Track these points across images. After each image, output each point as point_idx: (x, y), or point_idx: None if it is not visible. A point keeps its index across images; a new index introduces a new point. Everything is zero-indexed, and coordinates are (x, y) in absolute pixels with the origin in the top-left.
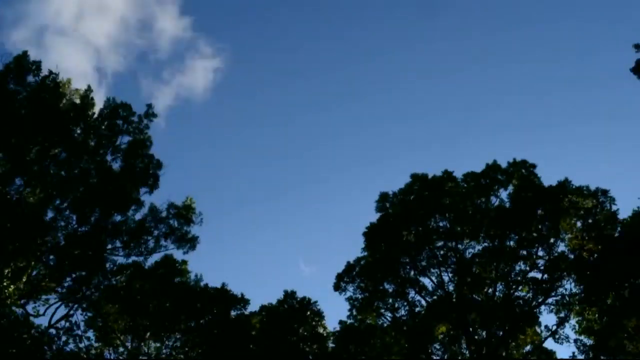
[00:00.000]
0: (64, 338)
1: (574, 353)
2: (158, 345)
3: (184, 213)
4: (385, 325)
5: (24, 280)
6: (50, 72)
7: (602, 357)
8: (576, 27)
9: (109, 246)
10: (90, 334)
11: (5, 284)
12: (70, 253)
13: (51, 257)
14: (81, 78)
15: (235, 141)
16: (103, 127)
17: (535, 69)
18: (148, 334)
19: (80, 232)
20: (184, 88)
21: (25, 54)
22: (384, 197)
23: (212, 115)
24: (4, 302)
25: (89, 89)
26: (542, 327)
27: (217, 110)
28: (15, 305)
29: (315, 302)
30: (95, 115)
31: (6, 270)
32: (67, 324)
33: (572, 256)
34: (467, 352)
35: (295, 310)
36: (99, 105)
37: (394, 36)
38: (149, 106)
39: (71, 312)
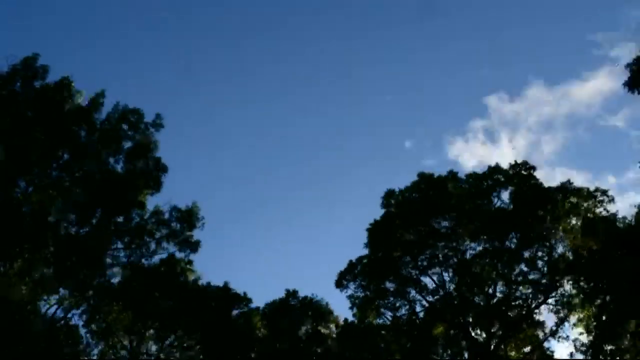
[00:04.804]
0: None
1: (571, 353)
2: (159, 344)
3: (187, 217)
4: (385, 323)
5: (27, 280)
6: (65, 79)
7: (600, 357)
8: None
9: (110, 247)
10: (90, 333)
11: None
12: (72, 254)
13: (53, 258)
14: None
15: (239, 141)
16: (109, 130)
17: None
18: (149, 333)
19: (82, 233)
20: None
21: (35, 56)
22: (390, 194)
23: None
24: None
25: (101, 94)
26: (542, 327)
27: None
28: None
29: (318, 301)
30: (103, 119)
31: (10, 272)
32: (68, 324)
33: (571, 256)
34: (466, 352)
35: (297, 309)
36: (107, 108)
37: (397, 37)
38: (158, 115)
39: (72, 312)
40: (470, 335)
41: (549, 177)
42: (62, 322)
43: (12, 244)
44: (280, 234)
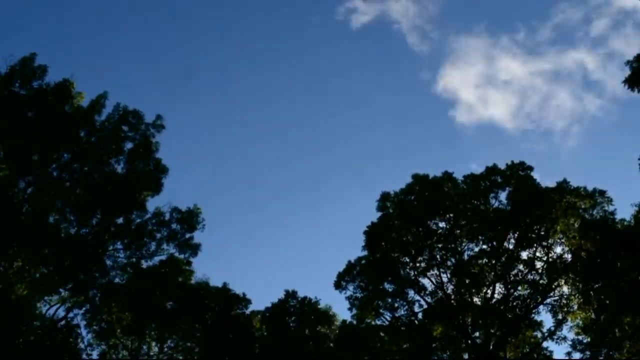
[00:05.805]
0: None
1: (569, 353)
2: (159, 344)
3: (188, 219)
4: (384, 324)
5: (27, 280)
6: (66, 80)
7: (599, 357)
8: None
9: (110, 247)
10: (91, 334)
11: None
12: (72, 254)
13: (53, 258)
14: None
15: (238, 142)
16: (109, 131)
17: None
18: (149, 333)
19: (81, 234)
20: None
21: (32, 56)
22: (385, 197)
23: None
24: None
25: (103, 95)
26: (541, 328)
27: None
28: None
29: (317, 302)
30: (103, 119)
31: (10, 272)
32: (69, 324)
33: (570, 256)
34: (466, 353)
35: (296, 310)
36: (107, 109)
37: None
38: (158, 117)
39: (72, 312)
40: (469, 336)
41: (442, 41)
42: (63, 322)
43: (12, 244)
44: (280, 235)
